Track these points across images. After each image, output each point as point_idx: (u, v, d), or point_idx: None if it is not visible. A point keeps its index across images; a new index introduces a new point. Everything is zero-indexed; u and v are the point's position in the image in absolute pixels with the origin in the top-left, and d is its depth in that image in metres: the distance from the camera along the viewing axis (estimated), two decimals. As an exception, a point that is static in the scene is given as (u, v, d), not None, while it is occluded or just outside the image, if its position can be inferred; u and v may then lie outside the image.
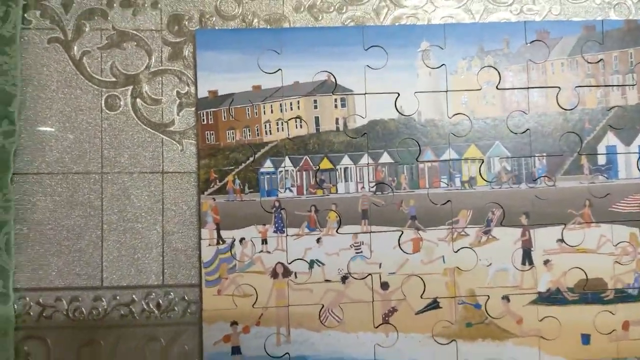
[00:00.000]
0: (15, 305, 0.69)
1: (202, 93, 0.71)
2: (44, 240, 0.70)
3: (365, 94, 0.72)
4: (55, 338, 0.70)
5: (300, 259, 0.71)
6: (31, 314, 0.70)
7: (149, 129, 0.72)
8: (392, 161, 0.73)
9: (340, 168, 0.72)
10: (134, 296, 0.71)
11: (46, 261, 0.70)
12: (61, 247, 0.70)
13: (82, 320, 0.70)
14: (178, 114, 0.72)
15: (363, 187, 0.72)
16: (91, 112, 0.71)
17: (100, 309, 0.70)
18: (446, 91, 0.73)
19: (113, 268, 0.71)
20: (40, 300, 0.70)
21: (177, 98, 0.72)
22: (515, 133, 0.73)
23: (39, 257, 0.70)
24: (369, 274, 0.71)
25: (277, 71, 0.72)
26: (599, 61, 0.74)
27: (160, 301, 0.71)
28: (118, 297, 0.71)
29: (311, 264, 0.71)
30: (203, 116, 0.71)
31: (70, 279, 0.70)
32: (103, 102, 0.72)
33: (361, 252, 0.71)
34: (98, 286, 0.71)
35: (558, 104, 0.74)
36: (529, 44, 0.74)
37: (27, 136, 0.71)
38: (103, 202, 0.71)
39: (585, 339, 0.72)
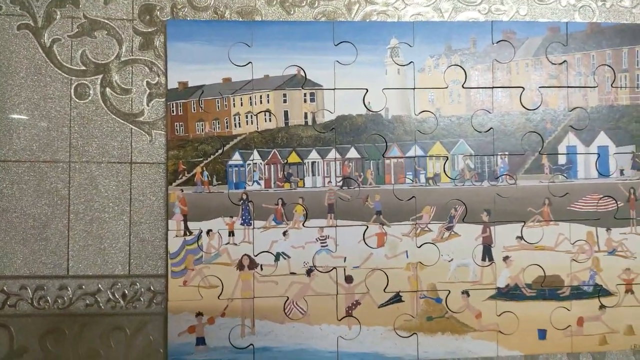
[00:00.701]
0: (-21, 293, 0.69)
1: (172, 84, 0.71)
2: (9, 228, 0.70)
3: (335, 89, 0.73)
4: (19, 326, 0.70)
5: (267, 252, 0.72)
6: (-5, 301, 0.70)
7: (118, 118, 0.72)
8: (359, 156, 0.74)
9: (308, 162, 0.73)
10: (99, 286, 0.71)
11: (11, 249, 0.70)
12: (27, 235, 0.70)
13: (47, 309, 0.70)
14: (148, 105, 0.72)
15: (330, 182, 0.73)
16: (60, 100, 0.71)
17: (65, 298, 0.71)
18: (413, 88, 0.74)
19: (79, 257, 0.71)
20: (5, 288, 0.70)
21: (147, 88, 0.72)
22: (479, 132, 0.75)
23: (4, 244, 0.70)
24: (334, 268, 0.72)
25: (247, 64, 0.72)
26: (562, 62, 0.76)
27: (126, 291, 0.71)
28: (84, 287, 0.71)
29: (277, 256, 0.72)
30: (173, 107, 0.72)
31: (35, 268, 0.70)
32: (72, 91, 0.71)
33: (327, 245, 0.72)
34: (64, 275, 0.71)
35: (521, 103, 0.75)
36: (495, 44, 0.76)
37: (-6, 124, 0.70)
38: (70, 191, 0.71)
39: (542, 333, 0.74)
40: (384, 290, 0.73)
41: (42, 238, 0.70)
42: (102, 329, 0.70)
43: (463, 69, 0.75)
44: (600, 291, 0.74)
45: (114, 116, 0.72)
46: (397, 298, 0.73)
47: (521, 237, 0.74)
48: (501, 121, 0.75)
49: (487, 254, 0.74)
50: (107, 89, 0.72)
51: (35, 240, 0.70)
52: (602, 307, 0.74)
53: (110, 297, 0.71)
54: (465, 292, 0.73)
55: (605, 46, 0.76)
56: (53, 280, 0.71)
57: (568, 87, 0.76)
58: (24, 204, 0.70)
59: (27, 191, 0.71)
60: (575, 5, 0.78)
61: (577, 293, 0.74)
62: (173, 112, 0.72)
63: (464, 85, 0.75)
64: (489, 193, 0.75)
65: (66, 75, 0.71)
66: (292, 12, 0.75)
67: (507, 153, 0.75)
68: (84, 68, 0.72)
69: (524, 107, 0.75)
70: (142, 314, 0.71)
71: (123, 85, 0.72)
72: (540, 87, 0.76)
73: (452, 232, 0.74)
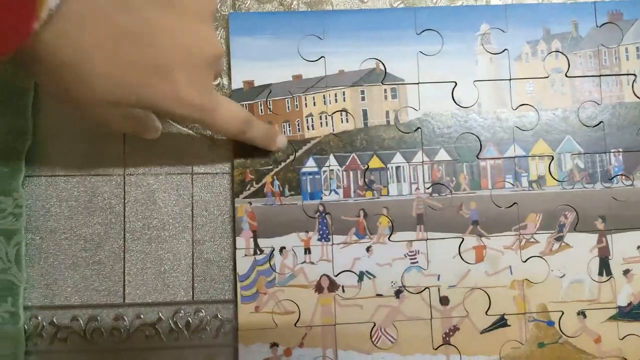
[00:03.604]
0: (26, 326, 0.61)
1: (237, 84, 0.63)
2: (58, 251, 0.62)
3: (419, 83, 0.64)
4: (71, 363, 0.61)
5: (348, 271, 0.62)
6: (44, 335, 0.61)
7: (176, 124, 0.64)
8: (450, 159, 0.64)
9: (392, 167, 0.64)
10: (160, 314, 0.62)
11: (60, 275, 0.62)
12: (77, 259, 0.62)
13: (101, 342, 0.62)
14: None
15: (418, 189, 0.64)
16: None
17: (122, 329, 0.62)
18: (509, 79, 0.65)
19: (136, 282, 0.62)
20: (54, 320, 0.62)
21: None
22: (588, 126, 0.65)
23: (52, 270, 0.62)
24: (426, 288, 0.63)
25: (319, 59, 0.64)
26: (679, 45, 0.66)
27: (190, 320, 0.62)
28: (142, 316, 0.62)
29: (361, 276, 0.62)
30: (237, 110, 0.63)
31: (87, 295, 0.62)
32: (125, 95, 0.64)
33: (417, 262, 0.63)
34: (120, 303, 0.62)
35: (634, 93, 0.65)
36: (599, 27, 0.66)
37: (41, 133, 0.63)
38: (125, 208, 0.63)
39: (674, 359, 0.63)
40: (486, 313, 0.62)
41: (95, 261, 0.62)
42: (164, 364, 0.62)
43: (565, 55, 0.65)
44: None
45: (172, 122, 0.64)
46: (502, 322, 0.63)
47: (643, 247, 0.64)
48: (612, 113, 0.65)
49: (604, 267, 0.64)
50: (163, 93, 0.64)
51: (87, 264, 0.62)
52: None
53: (173, 327, 0.62)
54: (582, 313, 0.63)
55: None
56: (108, 310, 0.62)
57: (688, 71, 0.66)
58: (73, 223, 0.62)
59: (77, 209, 0.63)
60: (687, -19, 0.68)
61: None
62: (238, 115, 0.63)
63: (567, 74, 0.65)
64: (603, 197, 0.64)
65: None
66: (366, 0, 0.66)
67: (621, 150, 0.65)
68: (137, 70, 0.64)
69: (637, 97, 0.65)
70: (209, 346, 0.62)
71: (180, 89, 0.64)
72: (654, 73, 0.66)
73: (563, 243, 0.64)
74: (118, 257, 0.62)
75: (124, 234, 0.63)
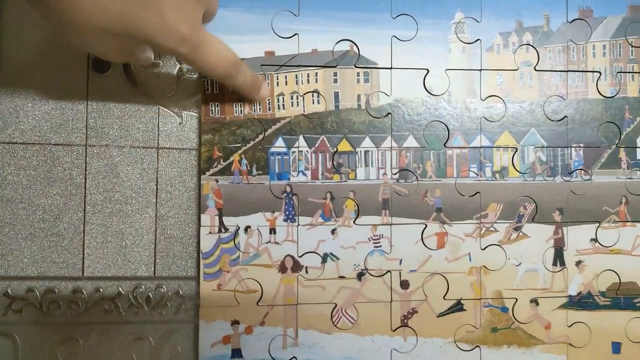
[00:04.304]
0: (-21, 297, 0.59)
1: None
2: (15, 221, 0.60)
3: (391, 68, 0.64)
4: (25, 336, 0.60)
5: (313, 252, 0.63)
6: (-2, 306, 0.60)
7: (143, 97, 0.62)
8: (418, 146, 0.65)
9: (361, 151, 0.64)
10: (120, 288, 0.61)
11: (17, 245, 0.60)
12: (35, 230, 0.60)
13: (58, 315, 0.60)
14: (178, 81, 0.62)
15: (385, 174, 0.64)
16: (76, 73, 0.61)
17: (80, 303, 0.61)
18: (480, 70, 0.66)
19: (96, 256, 0.61)
20: (9, 291, 0.60)
21: (177, 62, 0.62)
22: (552, 120, 0.66)
23: (9, 240, 0.60)
24: (388, 271, 0.64)
25: (293, 36, 0.63)
26: (643, 45, 0.68)
27: (151, 295, 0.62)
28: (101, 290, 0.61)
29: (324, 257, 0.63)
30: (207, 84, 0.62)
31: (45, 267, 0.60)
32: (90, 62, 0.61)
33: (380, 246, 0.64)
34: (78, 276, 0.61)
35: (598, 90, 0.67)
36: (570, 23, 0.67)
37: (-1, 98, 0.60)
38: (87, 180, 0.61)
39: (616, 347, 0.66)
40: (444, 297, 0.64)
41: (53, 233, 0.61)
42: (123, 339, 0.61)
43: (535, 49, 0.66)
44: (680, 301, 0.67)
45: (139, 94, 0.62)
46: (458, 306, 0.64)
47: (595, 240, 0.66)
48: (576, 109, 0.67)
49: (558, 257, 0.66)
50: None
51: (45, 235, 0.60)
52: (681, 318, 0.67)
53: (133, 301, 0.61)
54: (534, 301, 0.65)
55: (690, 28, 0.68)
56: (66, 282, 0.61)
57: (650, 72, 0.68)
58: (32, 193, 0.60)
59: (36, 179, 0.60)
60: (655, -18, 0.69)
61: (660, 303, 0.67)
62: (207, 90, 0.62)
63: (536, 68, 0.66)
64: (562, 190, 0.66)
65: (82, 45, 0.61)
66: (342, -21, 0.65)
67: (582, 145, 0.67)
68: (103, 36, 0.61)
69: (600, 94, 0.67)
70: (169, 322, 0.62)
71: (147, 58, 0.62)
72: (618, 72, 0.67)
73: (521, 233, 0.65)
74: (77, 229, 0.61)
75: (85, 207, 0.61)
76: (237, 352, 0.61)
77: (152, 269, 0.62)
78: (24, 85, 0.60)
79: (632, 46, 0.68)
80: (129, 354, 0.61)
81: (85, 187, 0.61)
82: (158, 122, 0.62)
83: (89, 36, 0.46)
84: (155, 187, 0.62)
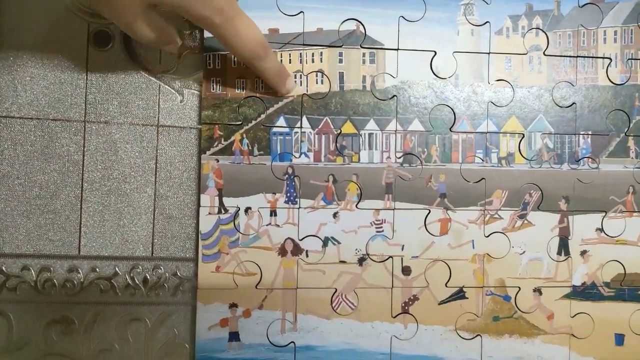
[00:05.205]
0: (-27, 273, 0.58)
1: (209, 33, 0.60)
2: (10, 197, 0.59)
3: (398, 49, 0.63)
4: (19, 314, 0.59)
5: (314, 236, 0.62)
6: (-8, 283, 0.59)
7: (143, 72, 0.61)
8: (423, 129, 0.63)
9: (365, 134, 0.63)
10: (116, 268, 0.60)
11: (12, 222, 0.59)
12: (31, 207, 0.59)
13: (53, 294, 0.59)
14: (179, 57, 0.61)
15: (389, 157, 0.63)
16: (75, 47, 0.60)
17: (75, 282, 0.60)
18: (489, 53, 0.64)
19: (93, 234, 0.60)
20: (3, 268, 0.59)
21: (179, 37, 0.61)
22: (561, 106, 0.65)
23: (4, 216, 0.59)
24: (390, 257, 0.62)
25: (298, 13, 0.61)
26: (655, 32, 0.66)
27: (148, 276, 0.61)
28: (97, 269, 0.60)
29: (325, 241, 0.62)
30: (209, 59, 0.61)
31: (40, 245, 0.59)
32: (91, 37, 0.60)
33: (382, 231, 0.62)
34: (74, 255, 0.60)
35: (608, 77, 0.66)
36: (581, 7, 0.66)
37: (-4, 71, 0.59)
38: (85, 156, 0.60)
39: (619, 339, 0.65)
40: (446, 284, 0.63)
41: (49, 210, 0.59)
42: (119, 319, 0.60)
43: (545, 33, 0.65)
44: (685, 293, 0.66)
45: (139, 70, 0.60)
46: (460, 294, 0.63)
47: (601, 229, 0.65)
48: (585, 95, 0.65)
49: (563, 247, 0.65)
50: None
51: (42, 212, 0.59)
52: (686, 311, 0.66)
53: (129, 282, 0.60)
54: (538, 290, 0.64)
55: None
56: (61, 261, 0.60)
57: (661, 60, 0.66)
58: (29, 169, 0.59)
59: (33, 154, 0.59)
60: (669, -32, 0.68)
61: (665, 295, 0.66)
62: (209, 66, 0.61)
63: (545, 53, 0.65)
64: (568, 178, 0.65)
65: (83, 17, 0.60)
66: (350, -42, 0.64)
67: (590, 132, 0.65)
68: (103, 11, 0.60)
69: (610, 81, 0.66)
70: (166, 303, 0.61)
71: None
72: (629, 59, 0.66)
73: (526, 221, 0.64)
74: (74, 207, 0.60)
75: (82, 184, 0.60)
76: (234, 336, 0.60)
77: (150, 249, 0.61)
78: (23, 59, 0.59)
79: (644, 33, 0.66)
80: (124, 335, 0.60)
81: (83, 164, 0.60)
82: (159, 100, 0.61)
83: (130, 11, 0.48)
84: (154, 166, 0.61)
